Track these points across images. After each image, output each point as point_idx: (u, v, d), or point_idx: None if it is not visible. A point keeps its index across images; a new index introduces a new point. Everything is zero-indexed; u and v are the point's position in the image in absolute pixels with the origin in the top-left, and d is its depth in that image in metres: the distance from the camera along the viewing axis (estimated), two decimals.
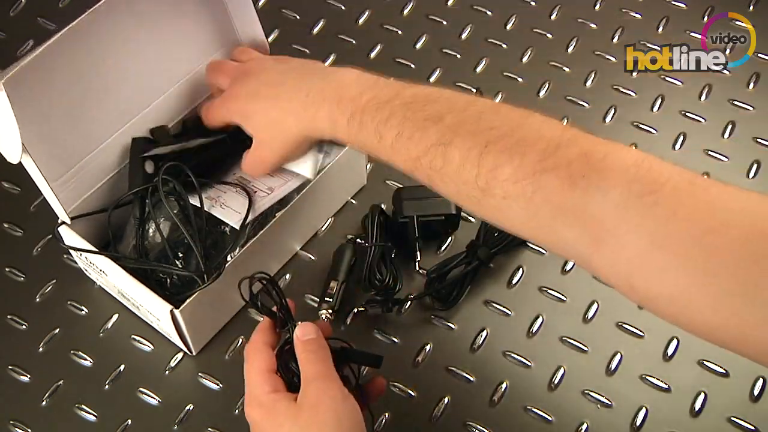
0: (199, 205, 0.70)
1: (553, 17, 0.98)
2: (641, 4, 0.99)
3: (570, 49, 0.96)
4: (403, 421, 0.72)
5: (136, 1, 0.69)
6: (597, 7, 0.99)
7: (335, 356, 0.58)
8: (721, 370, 0.74)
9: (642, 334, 0.76)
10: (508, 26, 0.98)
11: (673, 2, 0.99)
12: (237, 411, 0.72)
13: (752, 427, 0.71)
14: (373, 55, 0.95)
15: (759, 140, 0.89)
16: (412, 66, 0.94)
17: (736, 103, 0.91)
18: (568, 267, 0.80)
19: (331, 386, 0.55)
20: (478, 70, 0.94)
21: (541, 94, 0.92)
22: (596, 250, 0.50)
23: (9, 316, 0.77)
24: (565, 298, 0.78)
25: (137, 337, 0.76)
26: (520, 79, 0.93)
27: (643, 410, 0.72)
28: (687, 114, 0.91)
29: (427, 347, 0.76)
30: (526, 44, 0.96)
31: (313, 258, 0.81)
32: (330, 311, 0.74)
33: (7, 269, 0.80)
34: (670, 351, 0.75)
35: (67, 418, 0.72)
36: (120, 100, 0.73)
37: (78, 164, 0.71)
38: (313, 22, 0.97)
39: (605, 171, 0.50)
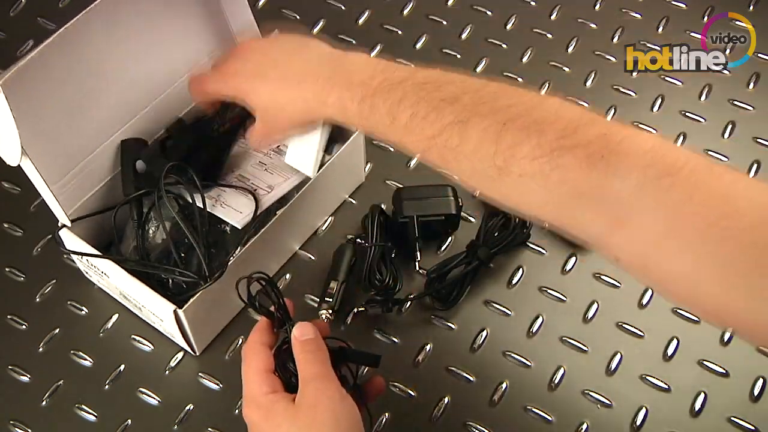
0: (200, 205, 0.70)
1: (553, 17, 0.98)
2: (641, 4, 0.99)
3: (570, 49, 0.96)
4: (403, 421, 0.72)
5: (133, 1, 0.69)
6: (597, 7, 0.99)
7: (333, 356, 0.58)
8: (721, 370, 0.74)
9: (642, 334, 0.76)
10: (508, 26, 0.98)
11: (673, 2, 0.99)
12: (237, 411, 0.72)
13: (752, 427, 0.71)
14: (373, 55, 0.95)
15: (759, 140, 0.89)
16: (412, 66, 0.94)
17: (736, 103, 0.91)
18: (568, 267, 0.80)
19: (329, 386, 0.55)
20: (478, 70, 0.94)
21: (542, 93, 0.92)
22: (612, 231, 0.50)
23: (9, 316, 0.77)
24: (565, 298, 0.78)
25: (137, 337, 0.76)
26: (520, 79, 0.93)
27: (643, 410, 0.72)
28: (687, 114, 0.91)
29: (427, 347, 0.76)
30: (526, 44, 0.96)
31: (312, 258, 0.81)
32: (330, 311, 0.74)
33: (7, 269, 0.80)
34: (670, 351, 0.75)
35: (67, 418, 0.72)
36: (118, 100, 0.73)
37: (78, 166, 0.71)
38: (313, 22, 0.97)
39: (623, 153, 0.50)
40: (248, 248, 0.71)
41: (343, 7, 0.99)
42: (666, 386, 0.73)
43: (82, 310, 0.78)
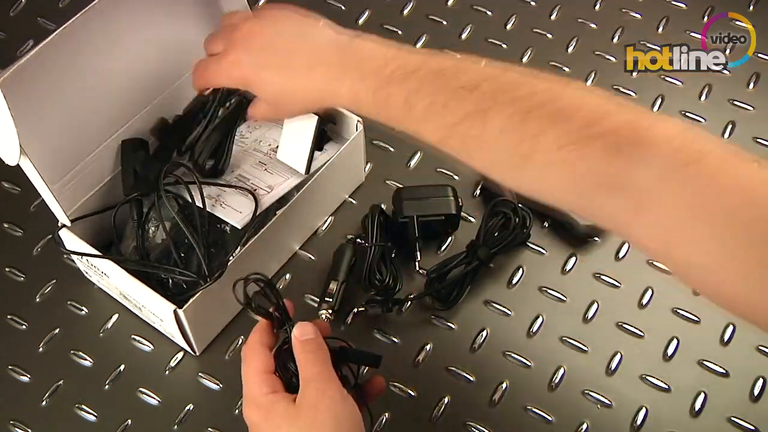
0: (200, 205, 0.71)
1: (553, 17, 0.98)
2: (641, 4, 0.99)
3: (570, 49, 0.96)
4: (403, 421, 0.72)
5: (132, 1, 0.69)
6: (597, 7, 0.99)
7: (334, 356, 0.58)
8: (721, 370, 0.74)
9: (642, 334, 0.76)
10: (508, 26, 0.98)
11: (673, 2, 0.99)
12: (237, 411, 0.72)
13: (752, 427, 0.71)
14: None
15: (759, 140, 0.89)
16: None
17: (736, 103, 0.91)
18: (568, 267, 0.80)
19: (329, 387, 0.55)
20: None
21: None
22: (636, 218, 0.50)
23: (9, 316, 0.77)
24: (565, 298, 0.78)
25: (137, 337, 0.76)
26: None
27: (643, 410, 0.72)
28: (687, 114, 0.90)
29: (427, 347, 0.76)
30: (526, 44, 0.96)
31: (312, 258, 0.81)
32: (330, 311, 0.74)
33: (7, 269, 0.80)
34: (670, 351, 0.75)
35: (67, 418, 0.72)
36: (118, 100, 0.73)
37: (78, 166, 0.71)
38: None
39: (650, 140, 0.50)
40: (248, 248, 0.71)
41: (343, 7, 0.99)
42: (666, 386, 0.73)
43: (82, 310, 0.78)
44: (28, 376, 0.74)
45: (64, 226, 0.72)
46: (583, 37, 0.97)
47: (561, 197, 0.55)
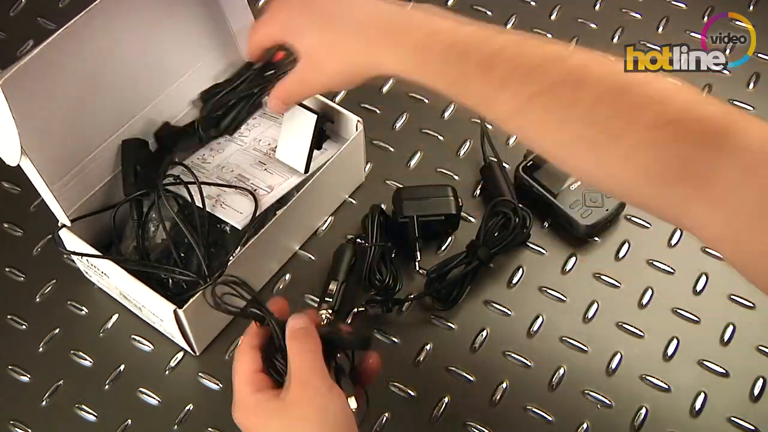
0: (199, 205, 0.71)
1: (553, 17, 0.98)
2: (641, 4, 0.99)
3: None
4: (403, 421, 0.72)
5: (132, 1, 0.69)
6: (597, 7, 0.99)
7: (324, 344, 0.56)
8: (721, 370, 0.74)
9: (642, 334, 0.76)
10: (508, 26, 0.97)
11: (673, 2, 0.99)
12: None
13: (752, 427, 0.71)
14: None
15: None
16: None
17: (736, 103, 0.91)
18: (568, 267, 0.80)
19: (313, 378, 0.54)
20: None
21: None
22: (711, 210, 0.50)
23: (9, 316, 0.77)
24: (565, 298, 0.78)
25: (137, 337, 0.76)
26: None
27: (643, 410, 0.72)
28: None
29: (427, 347, 0.76)
30: None
31: (312, 258, 0.81)
32: (330, 311, 0.74)
33: (7, 269, 0.80)
34: (670, 351, 0.75)
35: (67, 418, 0.72)
36: (118, 100, 0.73)
37: (78, 166, 0.71)
38: None
39: (740, 133, 0.49)
40: (248, 248, 0.71)
41: None
42: (666, 386, 0.73)
43: (82, 310, 0.78)
44: (28, 376, 0.74)
45: (64, 226, 0.72)
46: (583, 37, 0.96)
47: (640, 182, 0.52)
